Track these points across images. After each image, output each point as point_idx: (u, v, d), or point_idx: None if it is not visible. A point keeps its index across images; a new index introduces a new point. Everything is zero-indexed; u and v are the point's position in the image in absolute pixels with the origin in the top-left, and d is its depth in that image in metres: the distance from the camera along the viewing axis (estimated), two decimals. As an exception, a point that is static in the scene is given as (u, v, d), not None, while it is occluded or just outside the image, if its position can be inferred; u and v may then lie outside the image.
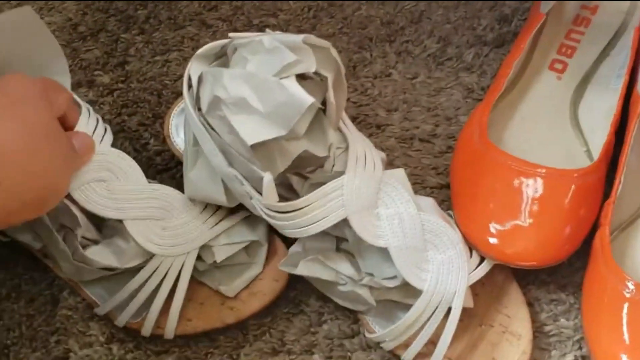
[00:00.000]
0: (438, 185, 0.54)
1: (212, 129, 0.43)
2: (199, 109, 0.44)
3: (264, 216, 0.44)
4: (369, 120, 0.58)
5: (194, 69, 0.44)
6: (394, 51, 0.61)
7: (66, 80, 0.49)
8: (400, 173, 0.45)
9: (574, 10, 0.59)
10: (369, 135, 0.57)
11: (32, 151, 0.39)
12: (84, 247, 0.45)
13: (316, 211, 0.43)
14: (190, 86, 0.45)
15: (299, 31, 0.62)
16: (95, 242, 0.46)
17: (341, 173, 0.44)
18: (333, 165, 0.44)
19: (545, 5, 0.55)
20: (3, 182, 0.37)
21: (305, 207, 0.43)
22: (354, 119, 0.57)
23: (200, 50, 0.45)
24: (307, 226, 0.43)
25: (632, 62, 0.52)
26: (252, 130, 0.41)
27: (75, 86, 0.60)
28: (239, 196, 0.45)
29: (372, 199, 0.44)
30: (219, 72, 0.42)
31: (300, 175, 0.45)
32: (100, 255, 0.45)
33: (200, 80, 0.44)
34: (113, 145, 0.47)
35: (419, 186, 0.54)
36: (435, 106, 0.58)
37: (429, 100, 0.58)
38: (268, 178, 0.41)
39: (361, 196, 0.43)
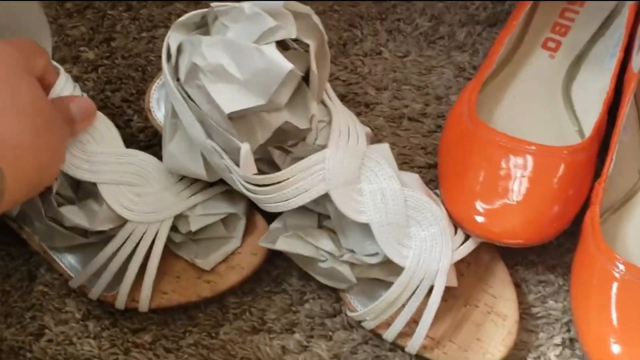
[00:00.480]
0: (426, 164, 0.53)
1: (191, 99, 0.42)
2: (178, 79, 0.43)
3: (244, 190, 0.43)
4: (358, 98, 0.56)
5: (173, 38, 0.43)
6: (385, 29, 0.60)
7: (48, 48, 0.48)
8: (384, 148, 0.44)
9: (570, -12, 0.57)
10: (358, 114, 0.55)
11: (33, 133, 0.38)
12: (59, 205, 0.44)
13: (297, 184, 0.42)
14: (169, 56, 0.43)
15: (289, 9, 0.61)
16: (71, 202, 0.45)
17: (324, 147, 0.43)
18: (315, 139, 0.43)
19: (539, -19, 0.54)
20: (8, 170, 0.35)
21: (285, 180, 0.42)
22: (342, 97, 0.56)
23: (179, 19, 0.44)
24: (286, 200, 0.42)
25: (626, 40, 0.51)
26: (230, 98, 0.40)
27: (61, 62, 0.59)
28: (218, 170, 0.44)
29: (355, 173, 0.43)
30: (198, 39, 0.41)
31: (282, 149, 0.44)
32: (72, 213, 0.44)
33: (179, 49, 0.43)
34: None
35: (407, 166, 0.53)
36: (426, 85, 0.56)
37: (419, 79, 0.57)
38: (245, 148, 0.40)
39: (343, 171, 0.42)
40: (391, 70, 0.57)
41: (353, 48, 0.59)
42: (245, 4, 0.41)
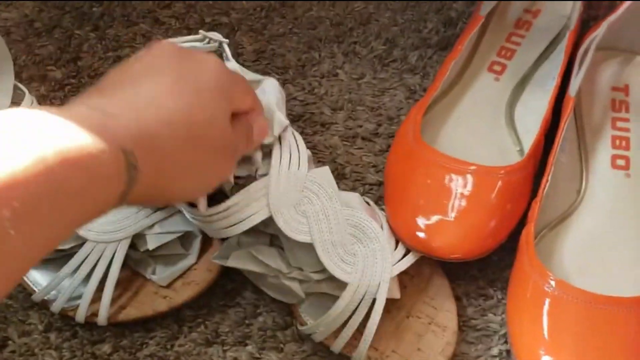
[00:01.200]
0: (377, 182, 0.55)
1: None
2: None
3: (190, 219, 0.45)
4: (315, 118, 0.59)
5: None
6: (342, 52, 0.62)
7: (9, 81, 0.50)
8: (325, 170, 0.46)
9: (517, 13, 0.60)
10: (314, 133, 0.58)
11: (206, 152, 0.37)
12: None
13: (241, 212, 0.44)
14: None
15: (250, 30, 0.64)
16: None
17: (266, 174, 0.45)
18: (256, 170, 0.45)
19: (485, 8, 0.57)
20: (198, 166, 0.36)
21: (228, 208, 0.44)
22: (299, 117, 0.59)
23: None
24: (231, 226, 0.44)
25: (564, 66, 0.54)
26: None
27: (29, 80, 0.61)
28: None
29: (297, 196, 0.45)
30: None
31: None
32: None
33: None
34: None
35: (359, 183, 0.55)
36: (379, 106, 0.59)
37: (373, 100, 0.59)
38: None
39: (286, 195, 0.45)
40: (347, 91, 0.60)
41: (311, 70, 0.61)
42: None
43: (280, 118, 0.45)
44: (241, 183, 0.46)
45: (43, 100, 0.60)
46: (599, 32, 0.52)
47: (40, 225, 0.27)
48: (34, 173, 0.26)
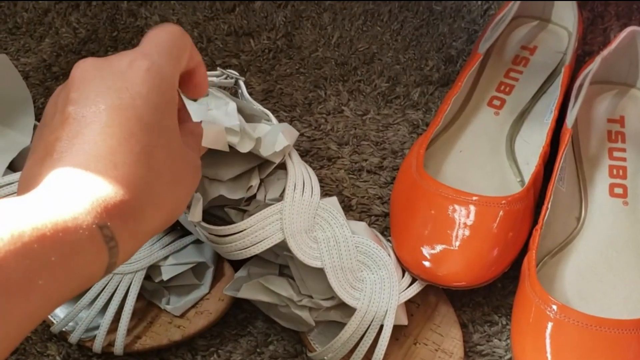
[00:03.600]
0: (382, 213, 0.57)
1: None
2: None
3: (206, 241, 0.47)
4: (321, 153, 0.61)
5: None
6: (347, 90, 0.65)
7: (30, 122, 0.53)
8: (334, 200, 0.48)
9: (514, 50, 0.63)
10: (320, 167, 0.60)
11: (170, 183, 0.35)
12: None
13: (255, 234, 0.46)
14: None
15: (259, 71, 0.66)
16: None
17: (275, 200, 0.47)
18: (265, 195, 0.47)
19: (483, 45, 0.59)
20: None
21: (244, 230, 0.46)
22: (307, 152, 0.61)
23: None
24: (245, 248, 0.46)
25: (561, 98, 0.56)
26: None
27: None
28: (184, 223, 0.48)
29: (309, 222, 0.47)
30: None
31: (237, 208, 0.48)
32: None
33: None
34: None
35: (365, 214, 0.57)
36: (383, 140, 0.61)
37: (377, 135, 0.62)
38: (198, 197, 0.44)
39: (299, 220, 0.46)
40: (352, 127, 0.62)
41: (317, 107, 0.64)
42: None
43: (282, 139, 0.47)
44: (244, 207, 0.48)
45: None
46: (593, 66, 0.54)
47: (21, 300, 0.26)
48: (13, 250, 0.26)
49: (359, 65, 0.66)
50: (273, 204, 0.46)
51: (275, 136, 0.47)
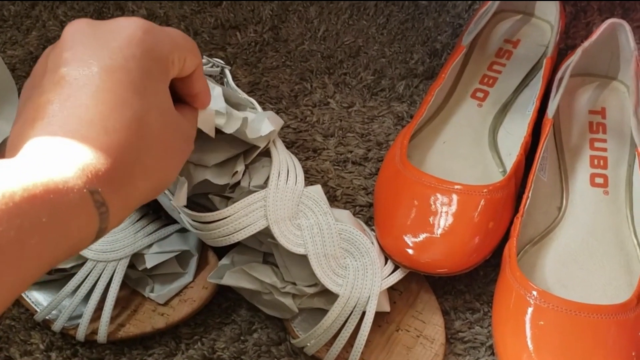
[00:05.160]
0: (367, 204, 0.57)
1: None
2: None
3: (191, 228, 0.47)
4: (307, 144, 0.61)
5: None
6: (333, 82, 0.65)
7: (14, 111, 0.53)
8: (318, 188, 0.49)
9: (498, 44, 0.63)
10: (306, 159, 0.60)
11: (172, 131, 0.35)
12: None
13: (239, 220, 0.46)
14: None
15: (245, 63, 0.67)
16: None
17: (260, 187, 0.47)
18: (249, 182, 0.48)
19: (466, 38, 0.60)
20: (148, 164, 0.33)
21: (228, 217, 0.46)
22: (292, 144, 0.61)
23: None
24: (229, 234, 0.46)
25: (543, 90, 0.57)
26: None
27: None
28: (168, 210, 0.48)
29: (293, 210, 0.47)
30: None
31: (221, 196, 0.48)
32: None
33: None
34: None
35: (349, 205, 0.57)
36: (368, 132, 0.62)
37: (362, 127, 0.62)
38: (183, 181, 0.45)
39: (282, 207, 0.47)
40: (337, 119, 0.63)
41: (303, 99, 0.64)
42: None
43: (267, 124, 0.47)
44: (228, 194, 0.48)
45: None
46: (574, 58, 0.55)
47: (13, 260, 0.26)
48: (5, 209, 0.26)
49: (344, 58, 0.67)
50: (257, 190, 0.46)
51: (261, 122, 0.48)
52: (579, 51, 0.55)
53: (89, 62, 0.32)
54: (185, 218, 0.47)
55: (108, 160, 0.30)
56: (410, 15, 0.69)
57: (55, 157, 0.29)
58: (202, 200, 0.49)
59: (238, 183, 0.47)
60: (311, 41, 0.68)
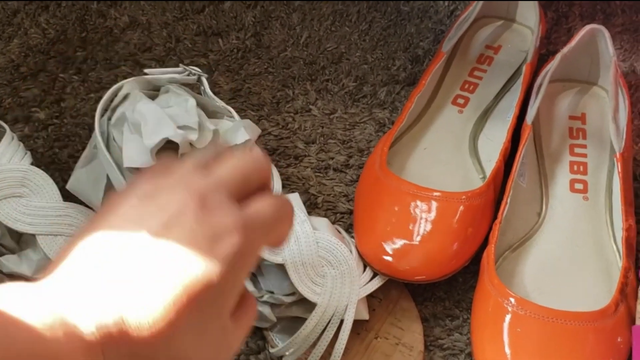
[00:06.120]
0: (348, 211, 0.57)
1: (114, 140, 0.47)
2: (110, 119, 0.48)
3: None
4: (288, 152, 0.61)
5: (129, 85, 0.49)
6: (315, 89, 0.65)
7: None
8: (295, 197, 0.49)
9: (479, 50, 0.63)
10: (287, 166, 0.60)
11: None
12: (0, 254, 0.48)
13: None
14: (114, 97, 0.49)
15: (227, 70, 0.67)
16: (12, 252, 0.49)
17: None
18: None
19: (446, 44, 0.60)
20: None
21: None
22: (274, 151, 0.61)
23: (146, 76, 0.50)
24: None
25: (522, 95, 0.57)
26: (130, 155, 0.45)
27: (13, 122, 0.64)
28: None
29: None
30: (140, 96, 0.47)
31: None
32: (13, 262, 0.48)
33: (126, 97, 0.48)
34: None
35: (330, 212, 0.57)
36: (350, 139, 0.62)
37: (344, 133, 0.62)
38: None
39: None
40: (319, 126, 0.63)
41: (285, 106, 0.64)
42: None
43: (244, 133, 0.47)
44: None
45: (27, 139, 0.62)
46: (553, 63, 0.55)
47: None
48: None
49: (327, 64, 0.67)
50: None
51: (236, 131, 0.48)
52: (558, 57, 0.55)
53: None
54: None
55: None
56: (392, 21, 0.69)
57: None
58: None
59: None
60: (293, 48, 0.68)
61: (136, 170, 0.45)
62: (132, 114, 0.45)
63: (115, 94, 0.49)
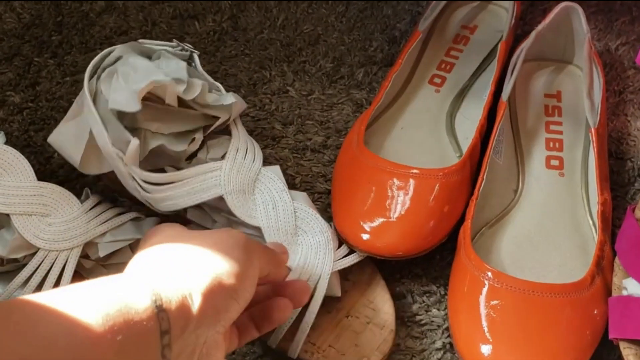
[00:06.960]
0: (326, 190, 0.57)
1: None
2: (98, 77, 0.48)
3: (141, 191, 0.47)
4: (266, 133, 0.61)
5: (122, 49, 0.49)
6: (292, 70, 0.65)
7: None
8: (276, 168, 0.49)
9: (455, 30, 0.63)
10: (265, 147, 0.60)
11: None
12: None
13: (191, 185, 0.46)
14: (104, 58, 0.49)
15: (204, 52, 0.66)
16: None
17: (216, 159, 0.48)
18: (207, 154, 0.48)
19: (422, 23, 0.60)
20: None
21: (181, 180, 0.46)
22: (251, 132, 0.61)
23: (141, 41, 0.50)
24: (180, 197, 0.46)
25: (498, 74, 0.57)
26: (119, 97, 0.45)
27: (-13, 106, 0.63)
28: (120, 177, 0.48)
29: (249, 184, 0.47)
30: (133, 57, 0.47)
31: (178, 168, 0.48)
32: None
33: (117, 60, 0.48)
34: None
35: (308, 192, 0.57)
36: (327, 120, 0.61)
37: (321, 114, 0.62)
38: (134, 143, 0.44)
39: (238, 179, 0.47)
40: (296, 107, 0.62)
41: (262, 88, 0.64)
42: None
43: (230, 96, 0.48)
44: (184, 166, 0.48)
45: (2, 123, 0.62)
46: (527, 41, 0.55)
47: None
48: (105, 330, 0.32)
49: (304, 46, 0.66)
50: (212, 162, 0.47)
51: (225, 96, 0.48)
52: (533, 34, 0.55)
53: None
54: (137, 184, 0.47)
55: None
56: (369, 3, 0.69)
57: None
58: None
59: (195, 155, 0.47)
60: (270, 30, 0.68)
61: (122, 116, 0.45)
62: (123, 67, 0.46)
63: (106, 57, 0.49)
